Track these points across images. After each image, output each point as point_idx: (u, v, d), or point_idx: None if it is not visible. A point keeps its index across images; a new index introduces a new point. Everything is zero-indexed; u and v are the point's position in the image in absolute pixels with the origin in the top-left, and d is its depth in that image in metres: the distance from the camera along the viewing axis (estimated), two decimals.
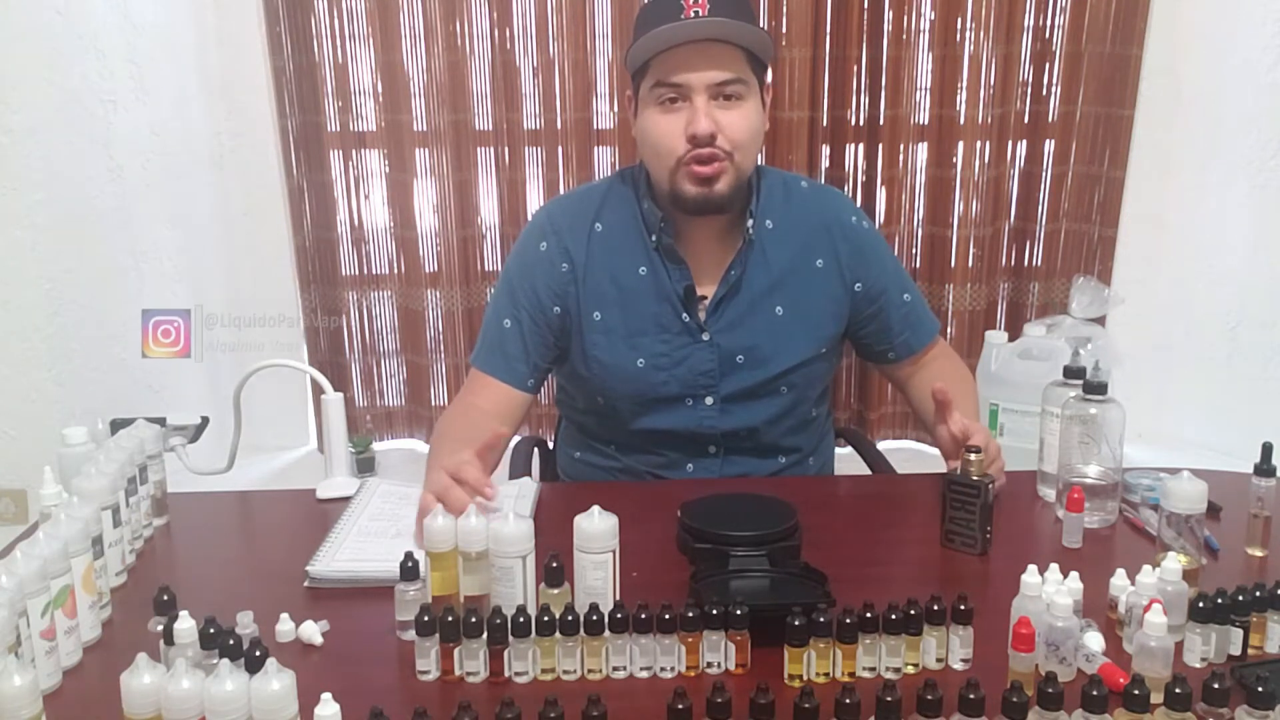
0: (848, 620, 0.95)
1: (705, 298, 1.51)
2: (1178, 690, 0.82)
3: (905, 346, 1.61)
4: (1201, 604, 0.98)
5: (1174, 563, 1.02)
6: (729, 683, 0.92)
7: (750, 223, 1.50)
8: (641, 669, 0.98)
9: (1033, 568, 1.01)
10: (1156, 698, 0.85)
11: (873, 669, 0.97)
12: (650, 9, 1.44)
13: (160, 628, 0.97)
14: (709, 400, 1.53)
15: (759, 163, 1.55)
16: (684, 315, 1.50)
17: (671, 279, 1.50)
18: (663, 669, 0.98)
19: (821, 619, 0.95)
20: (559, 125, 2.64)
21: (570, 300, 1.52)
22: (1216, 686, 0.83)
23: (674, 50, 1.39)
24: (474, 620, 0.97)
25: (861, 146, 2.70)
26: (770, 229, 1.53)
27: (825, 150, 2.68)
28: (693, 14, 1.36)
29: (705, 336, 1.51)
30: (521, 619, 0.97)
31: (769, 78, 1.50)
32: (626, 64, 1.47)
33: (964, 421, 1.37)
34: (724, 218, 1.49)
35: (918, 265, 2.77)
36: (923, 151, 2.69)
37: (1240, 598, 1.00)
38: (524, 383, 1.53)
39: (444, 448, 1.40)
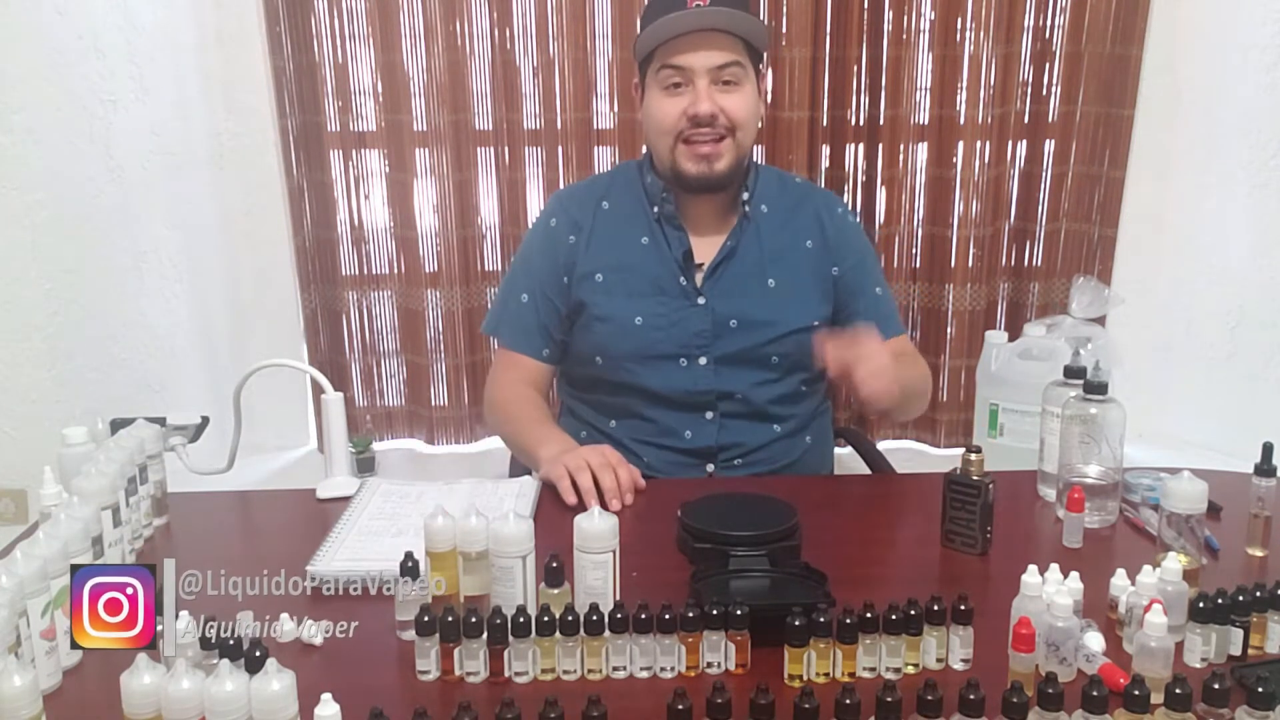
0: (848, 620, 0.95)
1: (702, 265, 1.62)
2: (1178, 690, 0.82)
3: None
4: (1202, 604, 0.98)
5: (1174, 563, 1.02)
6: (729, 683, 0.92)
7: (746, 196, 1.62)
8: (641, 669, 0.98)
9: (1033, 568, 1.01)
10: (1157, 698, 0.85)
11: (873, 669, 0.98)
12: (656, 1, 1.57)
13: (161, 628, 0.97)
14: (703, 360, 1.61)
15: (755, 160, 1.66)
16: (681, 279, 1.61)
17: (671, 245, 1.62)
18: (663, 669, 0.98)
19: (821, 619, 0.95)
20: (559, 125, 2.64)
21: (575, 268, 1.64)
22: (1216, 687, 0.83)
23: (678, 38, 1.52)
24: (474, 620, 0.97)
25: (861, 146, 2.69)
26: (765, 213, 1.66)
27: (825, 150, 2.68)
28: (695, 5, 1.50)
29: (701, 300, 1.61)
30: (521, 619, 0.97)
31: (767, 72, 1.62)
32: (634, 53, 1.61)
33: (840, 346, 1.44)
34: (722, 197, 1.62)
35: (918, 265, 2.76)
36: (923, 151, 2.68)
37: (1240, 598, 1.00)
38: (542, 354, 1.68)
39: (537, 431, 1.57)
